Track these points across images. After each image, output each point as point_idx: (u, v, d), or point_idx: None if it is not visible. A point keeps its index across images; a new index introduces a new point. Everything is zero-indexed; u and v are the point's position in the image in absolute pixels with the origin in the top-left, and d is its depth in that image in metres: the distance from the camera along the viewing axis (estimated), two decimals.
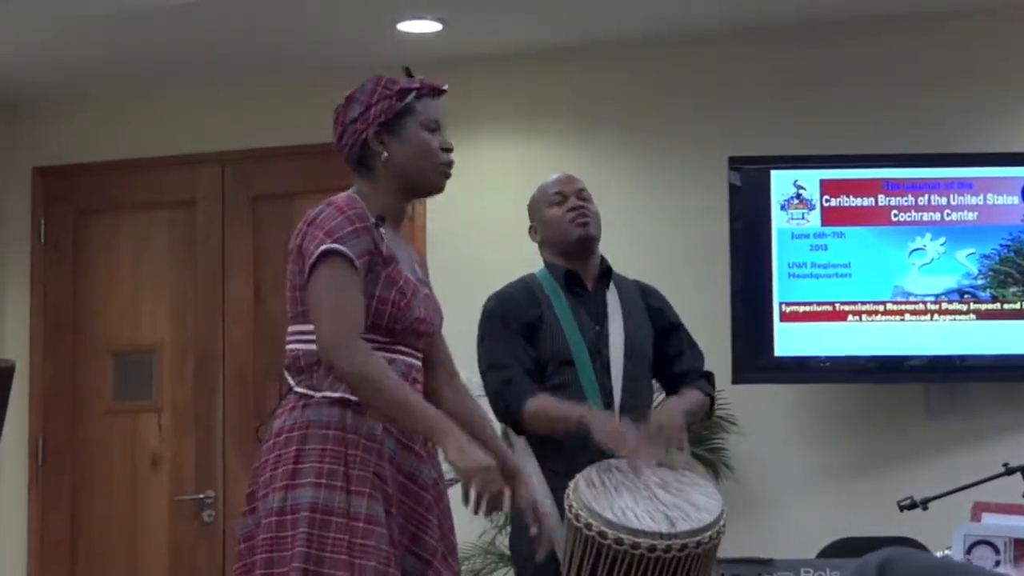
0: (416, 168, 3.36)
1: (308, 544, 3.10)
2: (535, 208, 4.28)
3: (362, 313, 3.21)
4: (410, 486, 3.24)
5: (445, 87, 3.43)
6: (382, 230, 3.30)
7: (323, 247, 3.20)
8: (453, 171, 3.45)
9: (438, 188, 3.42)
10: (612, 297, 4.19)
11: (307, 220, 3.29)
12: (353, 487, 3.14)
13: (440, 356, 3.50)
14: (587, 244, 4.19)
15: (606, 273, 4.23)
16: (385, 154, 3.34)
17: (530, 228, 4.29)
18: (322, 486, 3.13)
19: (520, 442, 4.07)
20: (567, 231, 4.17)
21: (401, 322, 3.27)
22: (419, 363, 3.37)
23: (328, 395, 3.22)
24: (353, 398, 3.19)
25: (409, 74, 3.41)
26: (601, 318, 4.14)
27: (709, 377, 4.31)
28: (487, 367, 4.12)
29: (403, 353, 3.30)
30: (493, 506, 3.11)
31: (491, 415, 3.90)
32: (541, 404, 4.02)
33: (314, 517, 3.11)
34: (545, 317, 4.11)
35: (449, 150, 3.40)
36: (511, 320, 4.11)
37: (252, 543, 3.20)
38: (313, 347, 3.24)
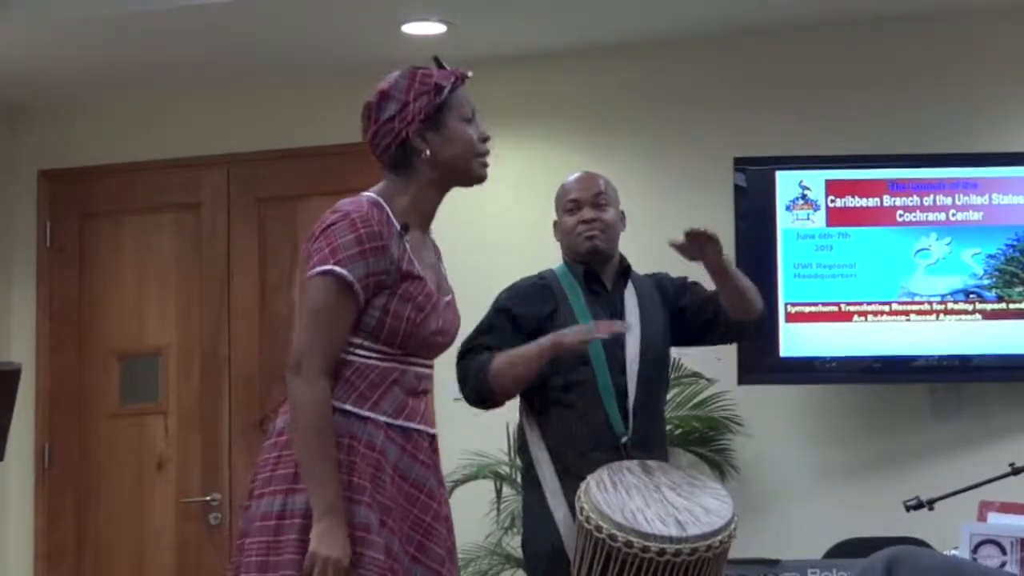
0: (461, 162, 3.30)
1: (299, 552, 3.02)
2: (556, 205, 4.26)
3: (340, 344, 3.11)
4: (417, 495, 3.16)
5: (469, 74, 3.35)
6: (407, 238, 3.23)
7: (323, 267, 3.09)
8: None
9: (480, 179, 3.38)
10: (630, 297, 4.17)
11: (322, 225, 3.15)
12: (353, 495, 3.05)
13: None
14: (595, 256, 4.16)
15: (624, 272, 4.21)
16: (427, 152, 3.24)
17: (554, 223, 4.27)
18: None
19: (547, 470, 4.04)
20: (576, 243, 4.16)
21: (416, 337, 3.17)
22: (429, 371, 3.27)
23: (332, 403, 3.13)
24: (355, 409, 3.11)
25: (440, 64, 3.29)
26: (618, 317, 4.10)
27: None
28: (467, 349, 4.04)
29: (414, 364, 3.21)
30: None
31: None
32: (500, 357, 3.99)
33: (308, 524, 3.03)
34: (559, 313, 4.08)
35: (486, 139, 3.37)
36: (518, 319, 4.09)
37: (243, 542, 3.13)
38: None
